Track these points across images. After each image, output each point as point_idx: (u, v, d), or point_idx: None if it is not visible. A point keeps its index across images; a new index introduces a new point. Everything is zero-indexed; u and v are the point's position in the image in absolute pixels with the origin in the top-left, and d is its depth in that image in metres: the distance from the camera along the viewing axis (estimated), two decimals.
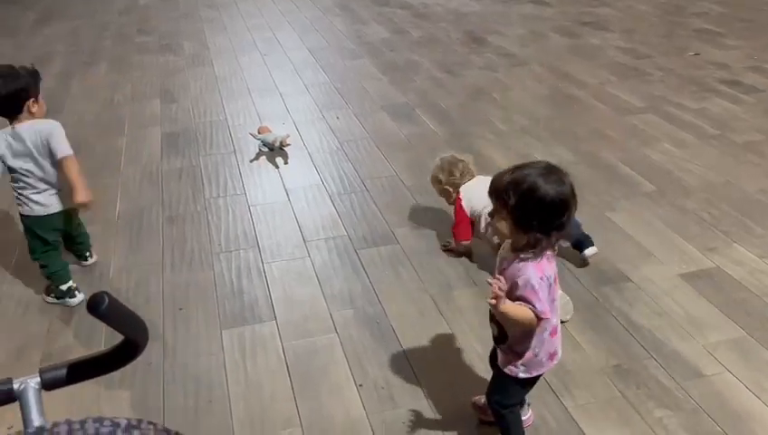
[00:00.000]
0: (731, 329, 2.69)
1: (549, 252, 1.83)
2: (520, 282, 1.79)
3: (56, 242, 2.93)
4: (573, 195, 1.78)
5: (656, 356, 2.56)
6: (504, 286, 1.75)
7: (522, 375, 1.96)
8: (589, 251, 3.05)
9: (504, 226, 1.81)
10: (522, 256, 1.81)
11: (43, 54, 6.59)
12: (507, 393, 2.05)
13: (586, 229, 3.14)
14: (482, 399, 2.33)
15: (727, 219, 3.43)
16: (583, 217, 3.40)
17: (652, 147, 4.24)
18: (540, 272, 1.80)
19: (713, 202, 3.59)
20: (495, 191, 1.81)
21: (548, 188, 1.74)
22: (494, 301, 1.74)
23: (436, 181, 3.26)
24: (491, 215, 1.89)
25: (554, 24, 6.99)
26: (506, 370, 1.98)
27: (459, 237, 3.16)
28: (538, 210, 1.75)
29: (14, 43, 7.05)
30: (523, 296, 1.79)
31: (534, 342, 1.91)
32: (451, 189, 3.20)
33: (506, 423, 2.10)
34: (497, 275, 1.85)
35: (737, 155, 4.11)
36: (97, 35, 7.21)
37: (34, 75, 2.76)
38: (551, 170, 1.79)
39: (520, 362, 1.94)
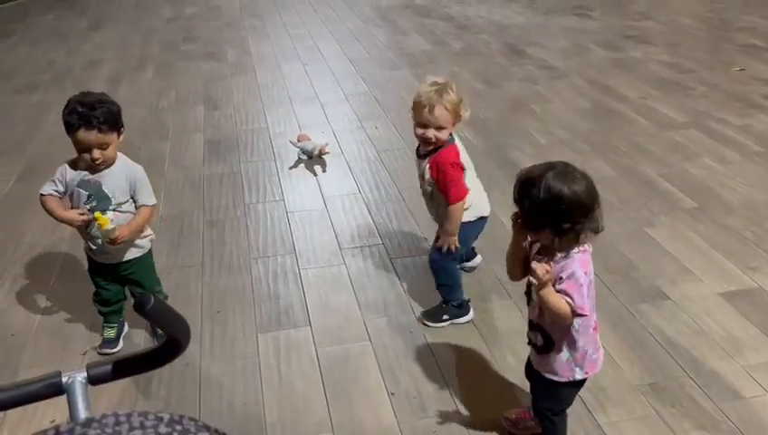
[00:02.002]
0: None
1: (587, 248, 1.83)
2: (564, 275, 1.79)
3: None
4: (572, 192, 1.74)
5: (693, 375, 2.52)
6: (551, 273, 1.76)
7: (578, 376, 1.96)
8: (472, 262, 3.16)
9: (523, 224, 1.85)
10: (556, 257, 1.82)
11: (93, 59, 6.80)
12: (559, 399, 2.05)
13: (624, 244, 3.11)
14: (513, 413, 2.32)
15: None
16: (622, 231, 3.37)
17: (694, 162, 4.18)
18: (584, 267, 1.81)
19: (755, 220, 3.52)
20: (516, 192, 1.84)
21: (541, 188, 1.74)
22: (536, 281, 1.76)
23: (447, 99, 2.46)
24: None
25: (597, 38, 6.93)
26: (562, 378, 1.96)
27: (461, 193, 2.59)
28: (536, 210, 1.76)
29: (66, 47, 7.28)
30: (564, 289, 1.79)
31: (583, 340, 1.92)
32: (455, 118, 2.51)
33: (556, 430, 2.10)
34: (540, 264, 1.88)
35: None
36: (144, 42, 7.40)
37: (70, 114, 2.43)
38: (558, 170, 1.77)
39: (574, 363, 1.94)
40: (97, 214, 2.48)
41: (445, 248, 2.68)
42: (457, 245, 2.68)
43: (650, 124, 4.78)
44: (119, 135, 2.50)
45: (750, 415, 2.34)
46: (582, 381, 2.02)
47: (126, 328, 2.88)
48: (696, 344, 2.68)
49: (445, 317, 2.83)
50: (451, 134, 2.57)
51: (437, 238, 2.75)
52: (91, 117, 2.39)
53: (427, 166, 2.60)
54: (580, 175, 1.79)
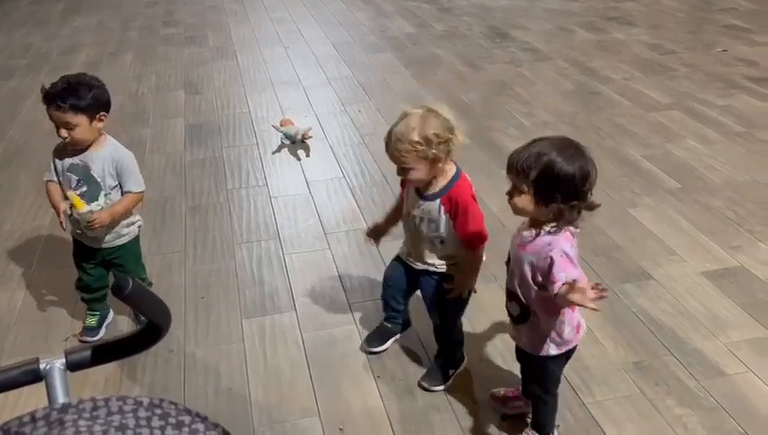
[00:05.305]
0: (754, 328, 2.65)
1: (572, 228, 1.83)
2: (554, 254, 1.78)
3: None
4: (593, 166, 1.79)
5: (676, 354, 2.54)
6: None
7: (553, 352, 1.96)
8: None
9: (524, 201, 1.81)
10: (546, 229, 1.82)
11: (70, 45, 6.69)
12: (544, 377, 2.05)
13: (608, 225, 3.11)
14: (501, 391, 2.33)
15: (752, 218, 3.39)
16: (605, 212, 3.38)
17: (676, 143, 4.19)
18: (570, 242, 1.81)
19: (737, 200, 3.55)
20: (514, 167, 1.81)
21: (567, 160, 1.75)
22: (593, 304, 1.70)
23: (433, 135, 2.09)
24: (509, 193, 1.86)
25: (579, 19, 6.92)
26: (537, 351, 1.97)
27: (484, 236, 2.23)
28: (559, 182, 1.75)
29: (44, 33, 7.14)
30: (560, 266, 1.77)
31: (560, 318, 1.92)
32: (450, 142, 2.13)
33: (546, 410, 2.10)
34: (519, 253, 1.87)
35: (763, 153, 4.05)
36: (123, 27, 7.28)
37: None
38: (568, 143, 1.80)
39: (549, 339, 1.95)
40: (70, 193, 2.46)
41: (455, 294, 2.27)
42: (475, 289, 2.31)
43: (633, 106, 4.79)
44: (92, 120, 2.44)
45: (732, 391, 2.36)
46: (565, 357, 2.02)
47: (111, 316, 2.85)
48: (680, 323, 2.70)
49: (450, 372, 2.46)
50: (458, 168, 2.23)
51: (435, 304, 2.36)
52: (56, 95, 2.38)
53: (439, 206, 2.18)
54: (583, 150, 1.81)
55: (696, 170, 3.87)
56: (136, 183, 2.58)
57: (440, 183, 2.19)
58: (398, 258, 2.48)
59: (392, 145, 2.14)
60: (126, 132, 4.64)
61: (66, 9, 8.08)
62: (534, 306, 1.92)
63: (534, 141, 1.83)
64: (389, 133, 2.16)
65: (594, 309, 1.70)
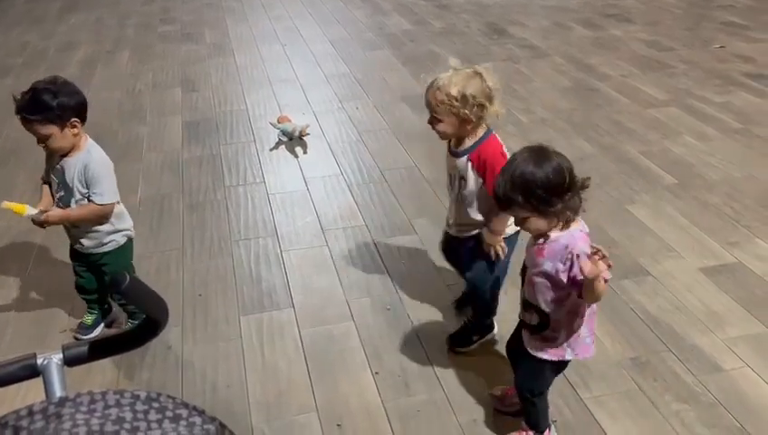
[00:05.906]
0: (751, 324, 2.66)
1: (586, 228, 1.83)
2: (574, 257, 1.78)
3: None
4: (563, 159, 1.78)
5: (674, 350, 2.54)
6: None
7: (568, 357, 1.97)
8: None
9: (534, 223, 1.82)
10: (560, 229, 1.82)
11: (67, 43, 6.67)
12: (540, 379, 2.05)
13: (606, 222, 3.12)
14: (499, 390, 2.33)
15: (750, 214, 3.39)
16: (603, 209, 3.39)
17: (674, 140, 4.20)
18: (586, 242, 1.80)
19: (735, 196, 3.55)
20: (503, 201, 1.82)
21: (538, 166, 1.75)
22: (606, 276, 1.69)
23: (470, 96, 2.16)
24: (517, 224, 1.89)
25: (577, 16, 6.93)
26: (548, 355, 1.96)
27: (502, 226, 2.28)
28: (543, 189, 1.74)
29: (39, 31, 7.13)
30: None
31: (581, 322, 1.91)
32: (484, 108, 2.19)
33: (537, 411, 2.10)
34: (537, 257, 1.87)
35: (761, 149, 4.06)
36: (120, 24, 7.27)
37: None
38: (530, 152, 1.80)
39: (566, 344, 1.94)
40: (5, 204, 2.37)
41: (493, 252, 2.31)
42: (504, 247, 2.31)
43: (631, 102, 4.79)
44: (63, 128, 2.33)
45: (729, 387, 2.37)
46: (565, 364, 2.03)
47: (101, 327, 2.81)
48: (678, 319, 2.70)
49: (475, 338, 2.57)
50: (489, 128, 2.30)
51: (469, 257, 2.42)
52: (22, 108, 2.31)
53: (467, 162, 2.26)
54: (546, 148, 1.83)
55: (693, 167, 3.87)
56: (101, 194, 2.41)
57: (470, 141, 2.28)
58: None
59: (431, 91, 2.23)
60: (123, 130, 4.65)
61: (63, 7, 8.06)
62: (555, 313, 1.90)
63: (504, 168, 1.83)
64: (433, 80, 2.25)
65: (609, 266, 1.68)
